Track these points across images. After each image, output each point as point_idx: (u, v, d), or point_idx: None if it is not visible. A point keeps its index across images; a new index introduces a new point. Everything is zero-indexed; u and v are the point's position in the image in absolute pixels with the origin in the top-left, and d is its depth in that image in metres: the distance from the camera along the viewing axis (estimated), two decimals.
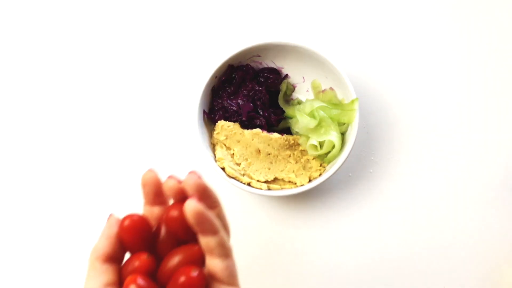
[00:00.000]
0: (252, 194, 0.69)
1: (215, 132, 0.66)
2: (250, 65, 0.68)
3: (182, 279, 0.36)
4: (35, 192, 0.71)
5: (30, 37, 0.75)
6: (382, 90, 0.72)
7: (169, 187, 0.39)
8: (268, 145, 0.65)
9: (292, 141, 0.66)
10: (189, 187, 0.38)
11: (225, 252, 0.38)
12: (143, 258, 0.38)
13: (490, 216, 0.68)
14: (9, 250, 0.69)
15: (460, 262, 0.67)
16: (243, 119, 0.66)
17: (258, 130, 0.65)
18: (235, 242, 0.69)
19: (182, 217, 0.38)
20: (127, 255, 0.40)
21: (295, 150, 0.66)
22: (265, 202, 0.69)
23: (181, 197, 0.39)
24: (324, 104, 0.66)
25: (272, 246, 0.69)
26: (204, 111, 0.66)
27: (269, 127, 0.68)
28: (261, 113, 0.67)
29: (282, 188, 0.65)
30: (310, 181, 0.65)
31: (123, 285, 0.37)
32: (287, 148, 0.66)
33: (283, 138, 0.65)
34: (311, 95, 0.70)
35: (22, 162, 0.72)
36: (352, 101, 0.64)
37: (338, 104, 0.66)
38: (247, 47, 0.65)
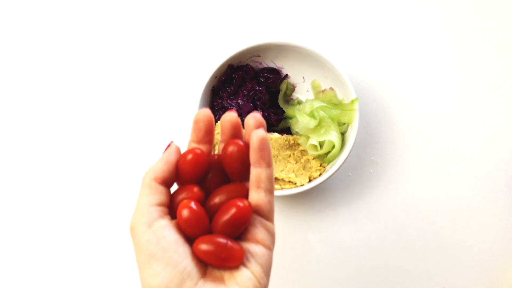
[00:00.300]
0: None
1: (215, 132, 0.66)
2: (250, 65, 0.68)
3: (233, 209, 0.39)
4: (34, 190, 0.71)
5: (34, 40, 0.75)
6: (382, 90, 0.72)
7: (228, 120, 0.42)
8: None
9: (292, 141, 0.66)
10: (253, 122, 0.41)
11: (271, 187, 0.41)
12: (195, 190, 0.40)
13: (490, 216, 0.68)
14: (11, 248, 0.70)
15: (460, 262, 0.67)
16: (243, 119, 0.66)
17: None
18: None
19: (239, 153, 0.41)
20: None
21: (295, 150, 0.66)
22: None
23: (236, 132, 0.42)
24: (324, 104, 0.66)
25: None
26: None
27: (269, 127, 0.68)
28: (261, 113, 0.67)
29: (282, 188, 0.65)
30: (310, 181, 0.65)
31: (178, 208, 0.39)
32: (287, 148, 0.66)
33: (283, 138, 0.65)
34: (311, 95, 0.70)
35: (26, 157, 0.72)
36: (352, 101, 0.64)
37: (338, 104, 0.66)
38: (247, 47, 0.65)
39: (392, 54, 0.73)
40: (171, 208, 0.41)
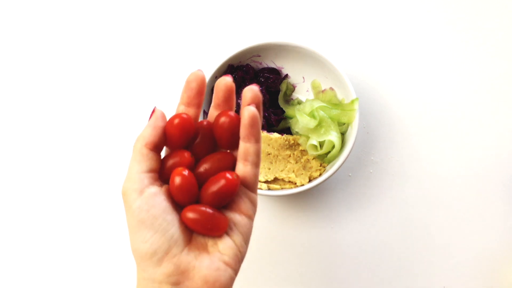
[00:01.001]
0: None
1: None
2: (250, 65, 0.68)
3: (222, 181, 0.41)
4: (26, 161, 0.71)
5: (29, 35, 0.75)
6: (382, 90, 0.72)
7: (224, 83, 0.44)
8: (268, 145, 0.65)
9: (292, 141, 0.66)
10: (250, 94, 0.43)
11: (257, 161, 0.43)
12: (186, 155, 0.42)
13: (490, 216, 0.68)
14: (11, 245, 0.70)
15: (460, 262, 0.67)
16: None
17: None
18: None
19: (230, 124, 0.43)
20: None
21: (295, 150, 0.66)
22: (265, 202, 0.69)
23: (229, 95, 0.44)
24: (324, 104, 0.66)
25: (272, 246, 0.69)
26: (204, 111, 0.66)
27: (269, 127, 0.68)
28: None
29: (282, 188, 0.65)
30: (310, 181, 0.65)
31: (171, 175, 0.41)
32: (287, 148, 0.66)
33: (283, 138, 0.65)
34: (311, 95, 0.70)
35: (14, 134, 0.72)
36: (352, 101, 0.64)
37: (338, 104, 0.66)
38: (247, 47, 0.66)
39: (392, 54, 0.73)
40: (161, 172, 0.43)
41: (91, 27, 0.75)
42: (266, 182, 0.65)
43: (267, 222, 0.69)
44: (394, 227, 0.68)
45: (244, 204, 0.44)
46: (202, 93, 0.44)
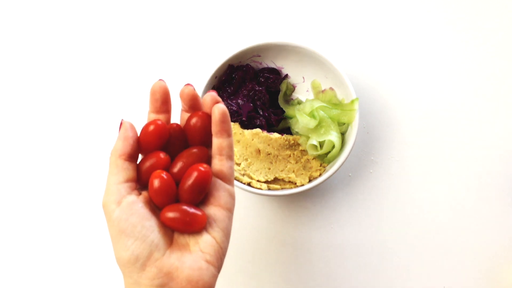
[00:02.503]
0: (252, 194, 0.69)
1: None
2: (250, 65, 0.68)
3: (195, 174, 0.43)
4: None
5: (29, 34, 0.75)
6: (382, 90, 0.72)
7: (186, 93, 0.45)
8: (268, 145, 0.65)
9: (292, 141, 0.66)
10: (209, 99, 0.45)
11: (231, 154, 0.46)
12: (162, 156, 0.44)
13: (490, 216, 0.68)
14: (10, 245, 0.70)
15: (460, 262, 0.67)
16: (243, 119, 0.66)
17: (258, 130, 0.65)
18: (235, 242, 0.69)
19: (202, 123, 0.45)
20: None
21: (295, 150, 0.66)
22: (265, 202, 0.69)
23: (194, 103, 0.46)
24: (324, 104, 0.66)
25: (272, 246, 0.69)
26: None
27: (269, 127, 0.68)
28: (261, 113, 0.67)
29: (282, 188, 0.65)
30: (310, 181, 0.65)
31: (150, 178, 0.43)
32: (287, 148, 0.66)
33: (283, 138, 0.65)
34: (311, 95, 0.70)
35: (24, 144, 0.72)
36: (352, 101, 0.64)
37: (338, 104, 0.66)
38: (247, 47, 0.66)
39: (392, 54, 0.73)
40: (138, 176, 0.44)
41: (89, 26, 0.75)
42: (266, 182, 0.65)
43: (267, 222, 0.69)
44: (394, 227, 0.68)
45: (223, 198, 0.45)
46: (168, 101, 0.46)
